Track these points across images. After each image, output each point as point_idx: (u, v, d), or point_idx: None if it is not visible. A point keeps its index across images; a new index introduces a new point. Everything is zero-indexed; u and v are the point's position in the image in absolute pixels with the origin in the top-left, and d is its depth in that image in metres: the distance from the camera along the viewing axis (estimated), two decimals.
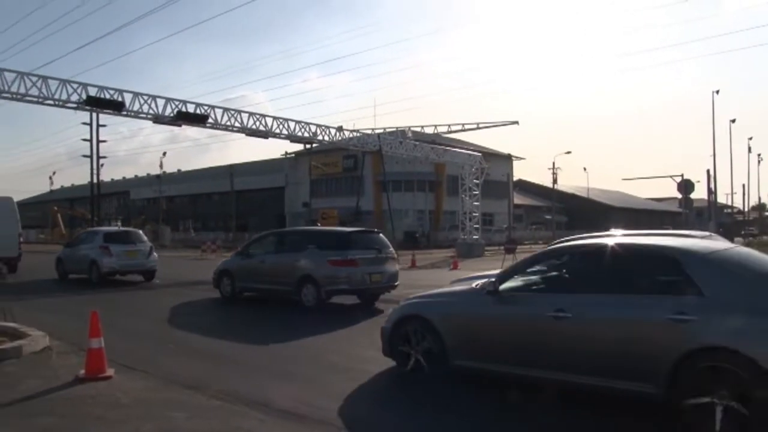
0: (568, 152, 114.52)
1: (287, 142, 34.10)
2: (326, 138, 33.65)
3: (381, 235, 15.50)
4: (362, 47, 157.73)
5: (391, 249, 15.09)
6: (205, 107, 28.09)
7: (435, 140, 48.28)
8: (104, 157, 51.47)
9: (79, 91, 24.20)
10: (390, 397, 7.29)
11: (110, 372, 7.50)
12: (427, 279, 21.64)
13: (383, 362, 7.99)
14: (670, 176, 35.75)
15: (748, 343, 5.20)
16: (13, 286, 18.82)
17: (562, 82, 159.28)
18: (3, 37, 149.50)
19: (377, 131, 40.36)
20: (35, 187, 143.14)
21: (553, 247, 8.39)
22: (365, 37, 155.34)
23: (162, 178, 70.50)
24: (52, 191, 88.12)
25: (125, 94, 25.52)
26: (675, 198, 51.44)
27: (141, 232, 23.81)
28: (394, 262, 14.99)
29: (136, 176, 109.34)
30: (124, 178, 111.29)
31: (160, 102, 26.57)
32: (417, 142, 40.92)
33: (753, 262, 6.35)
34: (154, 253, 21.33)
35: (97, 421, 5.92)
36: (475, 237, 43.11)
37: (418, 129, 49.98)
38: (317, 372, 8.20)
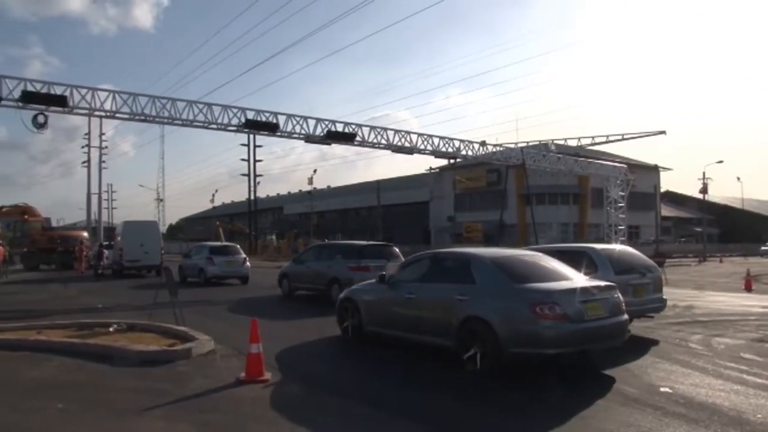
0: (720, 161, 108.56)
1: (431, 157, 34.70)
2: (470, 153, 33.96)
3: (394, 248, 19.35)
4: (501, 63, 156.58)
5: (401, 258, 17.52)
6: (353, 126, 29.18)
7: (578, 152, 47.48)
8: (260, 176, 54.66)
9: (238, 115, 25.95)
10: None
11: (267, 375, 8.05)
12: None
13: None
14: None
15: (488, 313, 8.41)
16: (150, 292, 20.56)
17: (708, 88, 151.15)
18: (176, 71, 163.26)
19: (520, 145, 40.47)
20: (199, 203, 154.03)
21: (414, 255, 12.05)
22: (503, 53, 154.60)
23: (313, 194, 73.30)
24: (214, 208, 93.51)
25: (279, 116, 27.05)
26: None
27: (238, 246, 29.33)
28: None
29: (289, 192, 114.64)
30: (278, 194, 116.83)
31: (311, 122, 27.87)
32: (560, 155, 40.36)
33: (521, 264, 9.50)
34: (248, 263, 26.71)
35: (256, 420, 6.46)
36: None
37: (561, 142, 49.35)
38: None
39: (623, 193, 42.04)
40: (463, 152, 33.58)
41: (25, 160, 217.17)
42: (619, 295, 8.93)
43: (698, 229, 70.98)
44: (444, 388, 7.98)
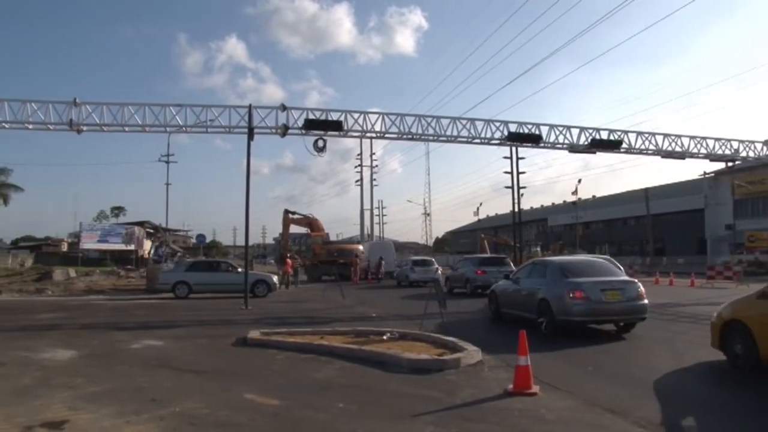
0: None
1: (705, 161, 32.27)
2: (751, 154, 30.81)
3: (506, 258, 30.56)
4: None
5: (509, 268, 25.59)
6: (618, 133, 27.91)
7: None
8: (523, 188, 54.20)
9: (501, 128, 26.16)
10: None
11: (535, 389, 7.96)
12: None
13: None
14: None
15: (549, 295, 13.56)
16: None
17: None
18: (438, 90, 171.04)
19: None
20: (463, 217, 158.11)
21: (526, 262, 19.70)
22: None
23: (577, 205, 71.68)
24: (479, 221, 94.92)
25: (542, 127, 26.71)
26: None
27: (433, 259, 41.16)
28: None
29: (552, 203, 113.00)
30: (541, 206, 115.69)
31: (574, 132, 27.09)
32: None
33: (577, 266, 14.32)
34: (439, 271, 36.59)
35: None
36: None
37: None
38: None
39: None
40: (743, 153, 30.47)
41: (306, 181, 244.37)
42: (640, 287, 13.42)
43: None
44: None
